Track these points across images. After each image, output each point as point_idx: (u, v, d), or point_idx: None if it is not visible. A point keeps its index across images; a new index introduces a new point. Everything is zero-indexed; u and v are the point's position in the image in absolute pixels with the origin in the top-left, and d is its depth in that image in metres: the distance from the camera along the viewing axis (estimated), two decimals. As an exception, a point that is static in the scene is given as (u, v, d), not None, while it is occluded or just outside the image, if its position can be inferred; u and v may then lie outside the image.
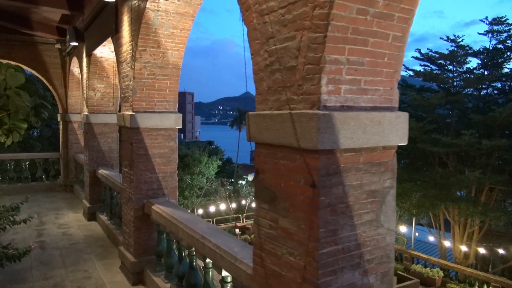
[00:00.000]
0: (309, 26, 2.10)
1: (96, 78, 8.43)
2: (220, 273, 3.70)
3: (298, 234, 2.24)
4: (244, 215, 27.20)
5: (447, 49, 22.43)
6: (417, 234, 23.46)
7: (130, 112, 5.33)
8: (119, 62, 5.85)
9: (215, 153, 39.30)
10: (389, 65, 2.31)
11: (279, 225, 2.40)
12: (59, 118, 12.19)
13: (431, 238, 22.32)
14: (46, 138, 22.76)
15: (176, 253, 4.87)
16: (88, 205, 8.72)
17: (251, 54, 2.61)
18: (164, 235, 5.26)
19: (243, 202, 28.77)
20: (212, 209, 25.33)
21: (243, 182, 45.86)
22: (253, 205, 28.73)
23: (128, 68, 5.42)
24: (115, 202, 7.80)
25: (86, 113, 8.61)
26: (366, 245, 2.33)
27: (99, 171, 8.43)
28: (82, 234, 7.74)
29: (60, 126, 12.28)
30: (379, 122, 2.26)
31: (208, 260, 3.91)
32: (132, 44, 5.25)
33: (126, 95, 5.53)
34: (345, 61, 2.11)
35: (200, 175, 30.81)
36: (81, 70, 9.18)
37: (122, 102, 5.71)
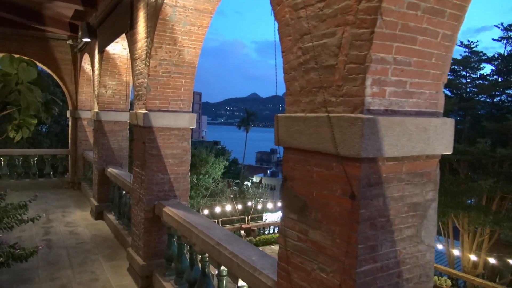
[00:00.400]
0: (353, 21, 1.91)
1: (108, 75, 8.30)
2: (235, 282, 3.51)
3: (332, 249, 2.05)
4: (249, 216, 27.02)
5: (460, 55, 22.09)
6: (425, 241, 23.07)
7: (143, 111, 5.17)
8: (133, 59, 5.70)
9: (221, 153, 39.18)
10: (436, 66, 2.11)
11: (309, 237, 2.21)
12: (68, 115, 12.10)
13: (439, 246, 21.94)
14: (55, 134, 22.75)
15: (188, 258, 4.69)
16: (95, 203, 8.58)
17: (282, 52, 2.42)
18: (175, 239, 5.10)
19: (249, 203, 28.55)
20: (217, 209, 25.16)
21: (249, 184, 45.67)
22: (259, 206, 28.56)
23: (143, 66, 5.26)
24: (124, 202, 7.66)
25: (97, 110, 8.48)
26: (405, 263, 2.13)
27: (108, 170, 8.29)
28: (90, 233, 7.60)
29: (69, 123, 12.19)
30: (425, 128, 2.06)
31: (222, 267, 3.73)
32: (147, 41, 5.09)
33: (140, 93, 5.37)
34: (391, 60, 1.92)
35: (207, 176, 30.68)
36: (93, 67, 9.06)
37: (135, 100, 5.55)
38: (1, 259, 4.25)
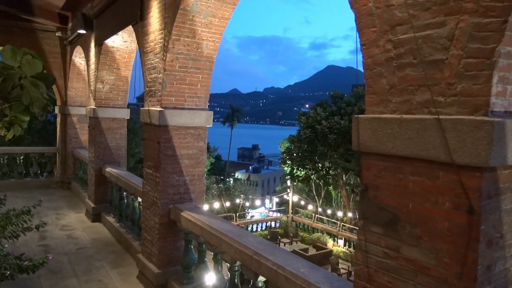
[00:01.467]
0: (474, 9, 1.65)
1: (106, 70, 7.84)
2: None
3: (437, 269, 1.80)
4: (237, 214, 26.75)
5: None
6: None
7: (158, 108, 4.81)
8: (144, 52, 5.32)
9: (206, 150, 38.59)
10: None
11: (401, 254, 1.96)
12: (57, 111, 11.50)
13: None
14: (37, 131, 21.80)
15: (210, 265, 4.39)
16: (92, 205, 8.13)
17: (362, 45, 2.15)
18: (193, 245, 4.79)
19: (237, 201, 28.25)
20: (205, 207, 24.82)
21: (231, 180, 45.23)
22: (257, 202, 28.25)
23: (157, 59, 4.89)
24: (126, 203, 7.27)
25: (93, 107, 8.01)
26: (512, 282, 1.91)
27: (107, 170, 7.85)
28: (89, 237, 7.17)
29: (58, 119, 11.60)
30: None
31: (260, 278, 3.45)
32: (163, 33, 4.72)
33: (153, 89, 5.00)
34: (517, 55, 1.68)
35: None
36: (88, 60, 8.57)
37: (147, 97, 5.18)
38: (7, 272, 3.85)
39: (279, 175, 79.11)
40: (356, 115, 2.16)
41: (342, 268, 20.85)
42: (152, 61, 5.02)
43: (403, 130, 1.91)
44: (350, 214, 25.77)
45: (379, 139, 2.03)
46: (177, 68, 4.79)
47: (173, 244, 5.03)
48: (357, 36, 2.18)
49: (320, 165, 24.94)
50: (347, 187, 26.05)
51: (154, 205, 5.00)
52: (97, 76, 7.87)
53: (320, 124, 22.88)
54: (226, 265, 4.09)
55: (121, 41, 7.48)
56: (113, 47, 7.59)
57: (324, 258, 22.92)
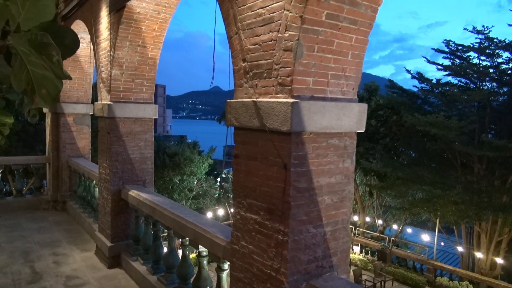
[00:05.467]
0: None
1: (127, 47, 5.37)
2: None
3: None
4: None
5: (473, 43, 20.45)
6: (442, 243, 21.52)
7: (287, 99, 2.43)
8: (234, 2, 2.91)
9: (194, 148, 35.47)
10: None
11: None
12: (45, 109, 8.89)
13: (459, 248, 20.43)
14: (15, 133, 18.80)
15: None
16: (108, 243, 5.66)
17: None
18: None
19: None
20: (209, 214, 22.24)
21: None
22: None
23: (275, 3, 2.51)
24: (160, 244, 4.92)
25: (108, 102, 5.53)
26: None
27: (130, 193, 5.41)
28: (111, 299, 4.74)
29: (47, 120, 8.99)
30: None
31: None
32: None
33: (263, 62, 2.61)
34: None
35: (191, 176, 27.57)
36: (97, 37, 6.05)
37: (248, 79, 2.76)
38: None
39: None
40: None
41: (366, 280, 18.71)
42: (265, 9, 2.62)
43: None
44: (368, 219, 23.78)
45: None
46: (323, 19, 2.42)
47: None
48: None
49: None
50: (363, 189, 24.04)
51: (272, 280, 2.63)
52: (113, 57, 5.39)
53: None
54: None
55: (153, 4, 5.05)
56: (139, 13, 5.13)
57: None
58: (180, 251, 4.45)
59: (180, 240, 4.28)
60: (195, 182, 28.73)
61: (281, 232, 2.48)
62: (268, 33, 2.56)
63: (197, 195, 29.14)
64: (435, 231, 20.67)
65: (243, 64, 2.77)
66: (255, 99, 2.58)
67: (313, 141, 2.50)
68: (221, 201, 28.85)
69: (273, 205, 2.48)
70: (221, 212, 23.45)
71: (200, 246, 3.81)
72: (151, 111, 5.83)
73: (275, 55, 2.50)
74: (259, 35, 2.64)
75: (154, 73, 5.79)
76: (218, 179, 37.60)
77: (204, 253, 3.86)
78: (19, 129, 19.61)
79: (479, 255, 18.80)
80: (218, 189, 27.03)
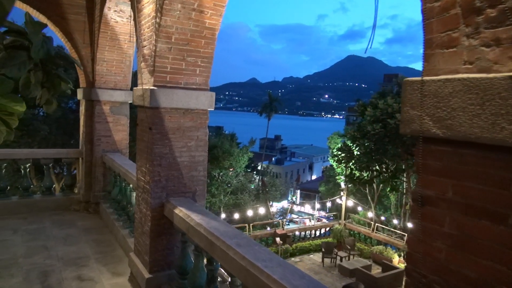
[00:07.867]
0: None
1: (179, 12, 3.92)
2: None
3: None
4: (284, 220, 22.87)
5: None
6: None
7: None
8: None
9: (231, 140, 34.32)
10: None
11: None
12: (79, 96, 7.71)
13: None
14: (55, 119, 18.19)
15: None
16: (146, 273, 4.28)
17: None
18: None
19: (284, 204, 24.35)
20: (250, 213, 20.95)
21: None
22: (297, 207, 24.16)
23: None
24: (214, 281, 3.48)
25: (151, 87, 4.09)
26: None
27: (176, 210, 3.99)
28: None
29: (81, 108, 7.82)
30: None
31: None
32: None
33: None
34: None
35: (230, 170, 26.40)
36: (138, 2, 4.63)
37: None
38: None
39: (302, 167, 74.98)
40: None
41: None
42: None
43: None
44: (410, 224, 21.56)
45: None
46: None
47: None
48: None
49: (385, 167, 20.74)
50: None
51: None
52: (159, 25, 3.94)
53: (393, 118, 18.59)
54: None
55: None
56: (197, -39, 3.65)
57: (395, 280, 18.92)
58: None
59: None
60: (235, 177, 27.56)
61: None
62: None
63: (235, 189, 27.96)
64: None
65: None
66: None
67: None
68: (260, 197, 27.52)
69: None
70: (262, 210, 22.10)
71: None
72: (206, 101, 4.35)
73: None
74: None
75: (211, 50, 4.30)
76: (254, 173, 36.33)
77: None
78: (59, 115, 19.04)
79: None
80: (260, 185, 25.60)
